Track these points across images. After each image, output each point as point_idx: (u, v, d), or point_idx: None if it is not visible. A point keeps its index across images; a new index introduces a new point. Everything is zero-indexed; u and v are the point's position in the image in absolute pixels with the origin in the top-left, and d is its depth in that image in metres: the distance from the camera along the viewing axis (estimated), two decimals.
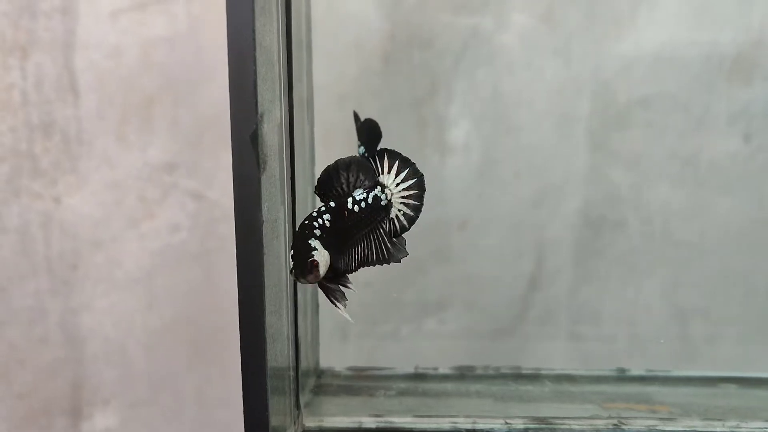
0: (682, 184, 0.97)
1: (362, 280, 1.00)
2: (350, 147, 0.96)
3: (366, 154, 0.63)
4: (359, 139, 0.67)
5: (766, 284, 0.99)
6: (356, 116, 0.70)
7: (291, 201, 0.60)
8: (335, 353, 0.85)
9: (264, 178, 0.52)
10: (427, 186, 0.58)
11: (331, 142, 0.93)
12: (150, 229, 1.00)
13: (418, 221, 0.59)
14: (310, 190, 0.72)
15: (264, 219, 0.51)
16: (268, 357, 0.52)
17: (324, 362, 0.81)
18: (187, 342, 1.02)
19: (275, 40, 0.55)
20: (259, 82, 0.50)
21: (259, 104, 0.50)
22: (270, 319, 0.53)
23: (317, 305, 0.77)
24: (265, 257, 0.52)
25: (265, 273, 0.52)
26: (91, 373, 1.02)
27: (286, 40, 0.58)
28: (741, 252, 0.98)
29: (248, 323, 0.51)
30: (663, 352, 0.96)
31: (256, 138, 0.49)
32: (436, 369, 0.80)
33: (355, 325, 0.96)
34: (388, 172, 0.57)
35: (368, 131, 0.66)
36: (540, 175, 1.00)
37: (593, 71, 0.96)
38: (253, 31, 0.48)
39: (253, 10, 0.48)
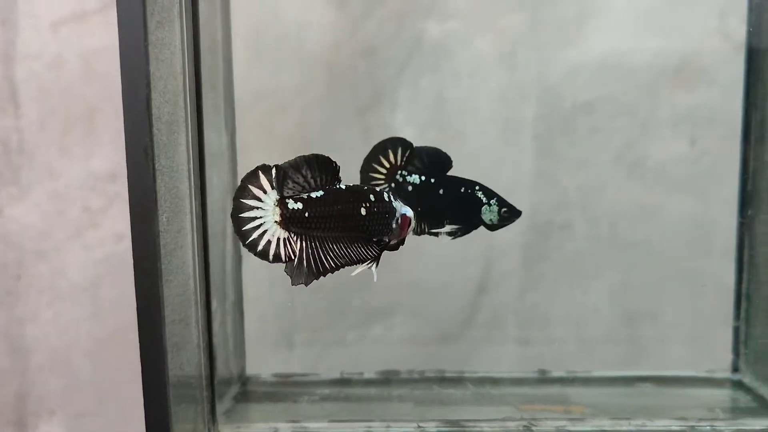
0: (628, 188, 0.98)
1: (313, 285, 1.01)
2: (291, 153, 0.97)
3: (426, 181, 0.63)
4: (406, 168, 0.64)
5: (711, 285, 1.00)
6: (398, 141, 0.65)
7: (201, 211, 0.61)
8: (274, 361, 0.86)
9: (163, 190, 0.52)
10: None
11: (274, 150, 0.95)
12: (94, 239, 1.01)
13: None
14: (229, 199, 0.72)
15: (162, 230, 0.52)
16: (171, 366, 0.53)
17: (261, 370, 0.81)
18: (133, 351, 1.02)
19: (178, 53, 0.56)
20: (154, 95, 0.51)
21: (155, 117, 0.51)
22: (173, 329, 0.54)
23: (242, 313, 0.78)
24: (165, 267, 0.52)
25: (166, 283, 0.52)
26: (36, 384, 1.02)
27: (194, 51, 0.59)
28: (688, 254, 0.99)
29: (147, 334, 0.51)
30: (609, 354, 0.97)
31: (151, 151, 0.50)
32: (361, 374, 0.81)
33: (299, 332, 0.96)
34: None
35: (433, 159, 0.64)
36: (487, 180, 1.01)
37: (538, 77, 0.97)
38: (146, 46, 0.49)
39: (145, 26, 0.49)
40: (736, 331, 0.81)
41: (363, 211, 0.54)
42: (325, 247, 0.53)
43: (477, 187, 0.65)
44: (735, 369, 0.81)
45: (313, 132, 1.00)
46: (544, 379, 0.80)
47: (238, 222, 0.53)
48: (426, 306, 1.01)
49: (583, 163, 1.00)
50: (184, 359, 0.56)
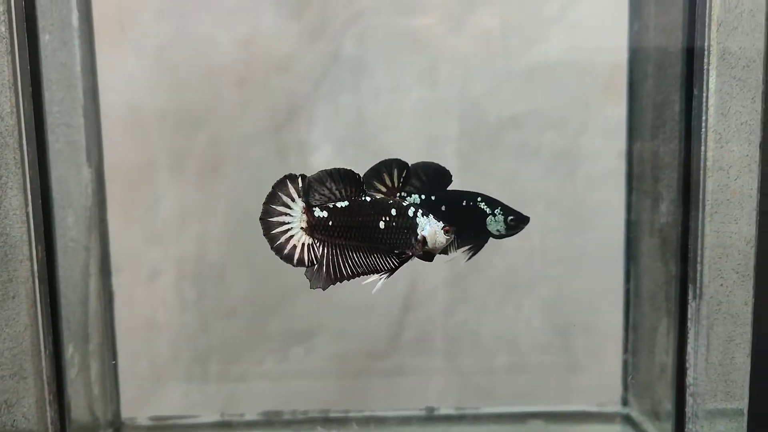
0: (559, 201, 0.96)
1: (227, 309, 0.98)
2: (203, 171, 0.94)
3: (426, 199, 0.61)
4: (404, 189, 0.61)
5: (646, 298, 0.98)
6: (393, 163, 0.60)
7: (46, 255, 0.58)
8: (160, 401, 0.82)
9: None
10: None
11: (184, 169, 0.92)
12: None
13: None
14: (93, 235, 0.69)
15: None
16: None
17: (138, 413, 0.77)
18: None
19: (7, 91, 0.52)
20: None
21: None
22: (2, 386, 0.51)
23: (114, 353, 0.75)
24: None
25: None
26: None
27: (32, 87, 0.56)
28: (620, 267, 0.97)
29: None
30: (542, 378, 0.95)
31: None
32: (242, 415, 0.78)
33: (214, 363, 0.93)
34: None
35: (430, 175, 0.61)
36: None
37: (461, 92, 0.95)
38: None
39: None
40: (625, 363, 0.79)
41: (381, 225, 0.56)
42: (345, 255, 0.56)
43: (479, 199, 0.63)
44: (624, 402, 0.79)
45: (226, 150, 0.98)
46: (431, 417, 0.77)
47: (266, 226, 0.55)
48: (345, 330, 0.99)
49: (510, 178, 0.98)
50: (18, 415, 0.53)
